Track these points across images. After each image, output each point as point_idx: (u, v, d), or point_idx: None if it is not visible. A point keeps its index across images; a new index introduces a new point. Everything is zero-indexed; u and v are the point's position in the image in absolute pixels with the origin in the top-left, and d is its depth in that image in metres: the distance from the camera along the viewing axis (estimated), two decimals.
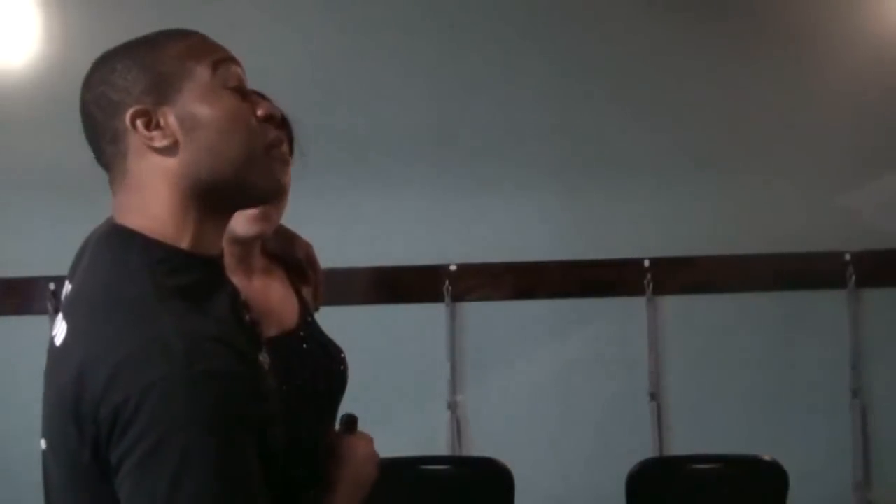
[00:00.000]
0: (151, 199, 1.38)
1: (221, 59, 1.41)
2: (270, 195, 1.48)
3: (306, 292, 2.05)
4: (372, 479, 1.73)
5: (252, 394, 1.31)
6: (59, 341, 1.36)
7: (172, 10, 3.51)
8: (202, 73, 1.39)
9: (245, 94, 1.42)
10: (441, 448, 3.67)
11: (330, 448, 1.70)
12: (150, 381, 1.24)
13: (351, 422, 1.78)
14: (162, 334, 1.27)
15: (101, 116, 1.39)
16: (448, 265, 3.71)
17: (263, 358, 1.42)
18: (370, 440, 1.76)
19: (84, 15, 3.68)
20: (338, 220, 3.66)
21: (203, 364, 1.26)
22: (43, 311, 3.62)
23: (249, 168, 1.40)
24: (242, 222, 1.86)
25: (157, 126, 1.37)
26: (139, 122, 1.37)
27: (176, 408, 1.23)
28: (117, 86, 1.38)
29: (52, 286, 3.60)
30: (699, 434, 3.68)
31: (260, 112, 1.42)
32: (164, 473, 1.22)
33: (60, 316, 1.39)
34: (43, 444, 1.40)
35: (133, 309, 1.31)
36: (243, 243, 1.91)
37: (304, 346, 1.94)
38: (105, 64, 1.41)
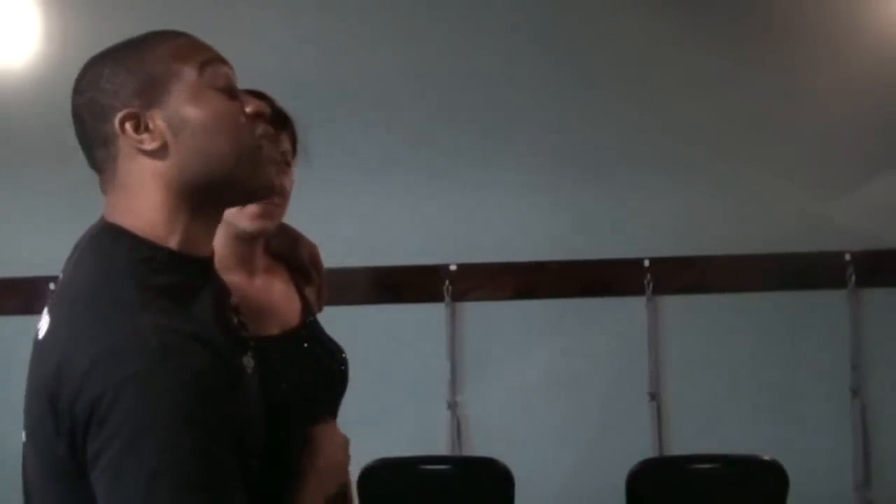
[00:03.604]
0: (142, 200, 1.39)
1: (208, 60, 1.42)
2: (261, 193, 1.48)
3: (309, 292, 2.05)
4: (345, 464, 1.73)
5: (228, 392, 1.31)
6: (41, 335, 1.38)
7: (172, 9, 3.52)
8: (189, 74, 1.39)
9: (233, 94, 1.43)
10: (441, 448, 3.67)
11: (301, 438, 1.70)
12: (126, 376, 1.24)
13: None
14: (139, 330, 1.27)
15: (91, 121, 1.40)
16: (448, 265, 3.71)
17: (248, 361, 1.42)
18: (335, 426, 1.76)
19: (84, 15, 3.68)
20: (338, 220, 3.66)
21: (179, 360, 1.26)
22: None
23: (239, 167, 1.40)
24: (245, 219, 1.87)
25: (146, 129, 1.37)
26: (128, 126, 1.37)
27: (151, 403, 1.23)
28: (106, 90, 1.39)
29: (52, 286, 3.59)
30: (699, 434, 3.68)
31: (249, 109, 1.43)
32: (140, 469, 1.22)
33: (46, 310, 1.40)
34: (24, 436, 1.41)
35: (113, 305, 1.31)
36: (246, 241, 1.92)
37: (306, 345, 1.94)
38: (93, 69, 1.42)
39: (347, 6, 3.75)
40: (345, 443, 1.74)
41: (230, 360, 1.36)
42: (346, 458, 1.74)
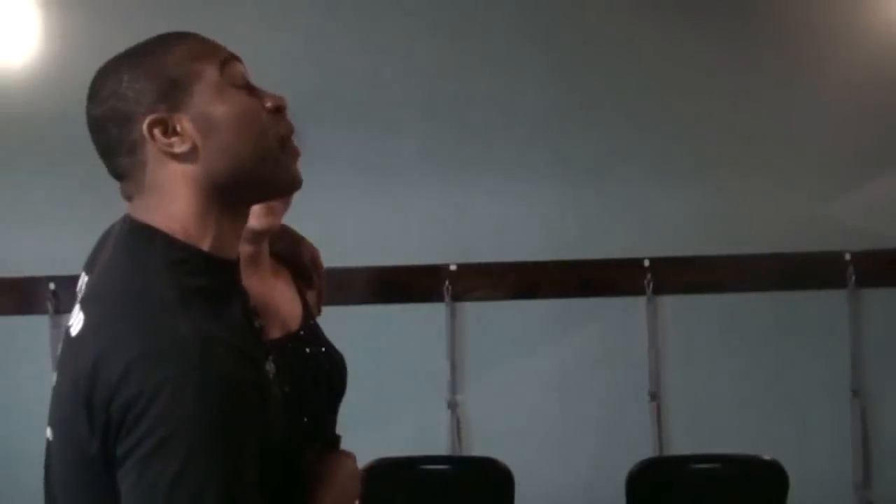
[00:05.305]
0: (173, 203, 1.39)
1: (226, 58, 1.42)
2: (289, 187, 1.48)
3: (310, 296, 2.05)
4: (356, 496, 1.73)
5: (259, 401, 1.32)
6: (74, 332, 1.37)
7: (172, 10, 3.52)
8: (210, 74, 1.39)
9: (251, 90, 1.43)
10: (441, 448, 3.67)
11: (312, 466, 1.70)
12: (163, 378, 1.25)
13: (333, 442, 1.79)
14: (178, 333, 1.28)
15: (115, 130, 1.39)
16: (448, 265, 3.71)
17: (270, 367, 1.43)
18: (353, 457, 1.76)
19: (84, 15, 3.68)
20: (338, 220, 3.66)
21: (216, 366, 1.27)
22: (43, 311, 3.62)
23: (266, 162, 1.41)
24: (251, 218, 1.88)
25: (175, 132, 1.37)
26: (157, 131, 1.37)
27: (185, 406, 1.24)
28: (128, 97, 1.38)
29: (52, 286, 3.60)
30: (699, 434, 3.68)
31: (269, 105, 1.43)
32: (167, 469, 1.23)
33: (78, 307, 1.39)
34: (49, 433, 1.41)
35: (151, 306, 1.32)
36: (253, 241, 1.92)
37: (307, 349, 1.95)
38: (110, 76, 1.41)
39: (349, 10, 3.75)
40: (359, 474, 1.75)
41: (260, 367, 1.37)
42: (356, 490, 1.74)
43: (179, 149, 1.37)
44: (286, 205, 1.97)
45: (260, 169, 1.40)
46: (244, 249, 1.89)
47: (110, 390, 1.26)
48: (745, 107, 3.74)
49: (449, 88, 3.75)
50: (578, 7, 3.77)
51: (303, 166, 2.03)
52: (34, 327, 3.61)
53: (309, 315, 2.01)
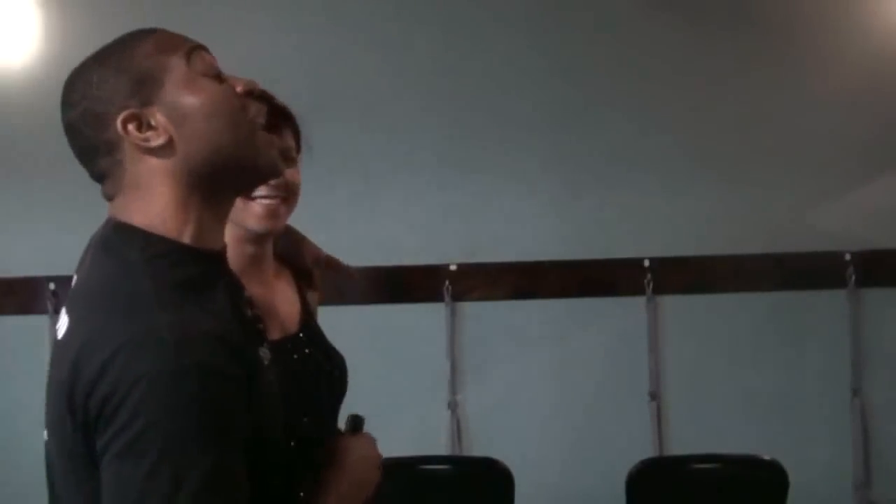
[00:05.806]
0: (153, 198, 1.39)
1: (192, 48, 1.42)
2: (265, 172, 1.47)
3: (311, 297, 2.05)
4: (372, 481, 1.71)
5: (241, 392, 1.31)
6: (60, 335, 1.38)
7: (172, 9, 3.51)
8: (178, 64, 1.39)
9: (220, 78, 1.43)
10: (441, 448, 3.67)
11: (328, 449, 1.69)
12: (139, 372, 1.25)
13: (357, 422, 1.77)
14: (155, 328, 1.28)
15: (90, 132, 1.40)
16: (448, 265, 3.71)
17: (264, 353, 1.43)
18: (372, 441, 1.75)
19: (84, 15, 3.68)
20: (338, 220, 3.65)
21: (192, 357, 1.27)
22: (43, 311, 3.62)
23: (241, 147, 1.40)
24: (251, 220, 1.87)
25: (149, 126, 1.37)
26: (131, 127, 1.37)
27: (160, 399, 1.24)
28: (99, 98, 1.39)
29: (52, 286, 3.60)
30: (699, 434, 3.68)
31: (239, 89, 1.43)
32: (142, 463, 1.23)
33: (64, 310, 1.40)
34: (45, 434, 1.41)
35: (130, 302, 1.32)
36: (255, 242, 1.91)
37: (306, 350, 1.94)
38: (79, 79, 1.42)
39: (348, 9, 3.75)
40: (374, 459, 1.73)
41: (246, 354, 1.36)
42: (372, 476, 1.72)
43: (155, 142, 1.37)
44: (289, 208, 1.95)
45: (237, 155, 1.40)
46: (246, 250, 1.89)
47: (89, 387, 1.27)
48: (744, 107, 3.74)
49: (449, 88, 3.75)
50: (578, 8, 3.77)
51: (303, 166, 2.04)
52: (34, 327, 3.61)
53: (309, 316, 2.01)
